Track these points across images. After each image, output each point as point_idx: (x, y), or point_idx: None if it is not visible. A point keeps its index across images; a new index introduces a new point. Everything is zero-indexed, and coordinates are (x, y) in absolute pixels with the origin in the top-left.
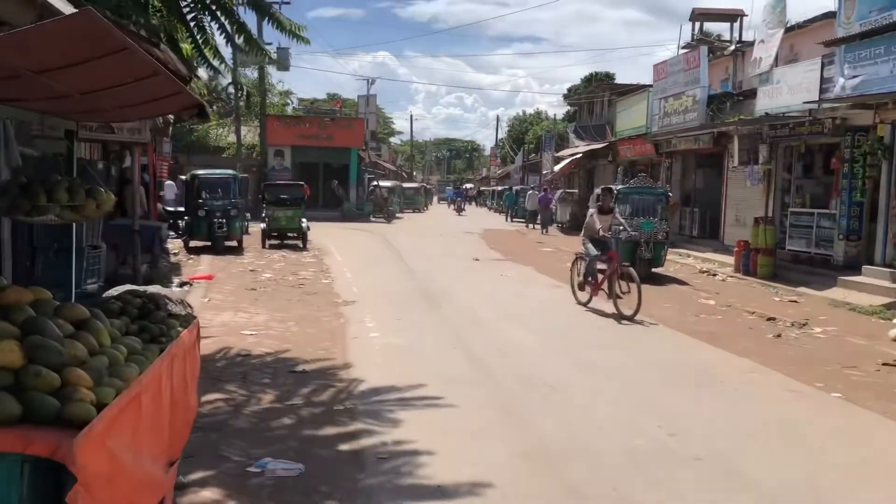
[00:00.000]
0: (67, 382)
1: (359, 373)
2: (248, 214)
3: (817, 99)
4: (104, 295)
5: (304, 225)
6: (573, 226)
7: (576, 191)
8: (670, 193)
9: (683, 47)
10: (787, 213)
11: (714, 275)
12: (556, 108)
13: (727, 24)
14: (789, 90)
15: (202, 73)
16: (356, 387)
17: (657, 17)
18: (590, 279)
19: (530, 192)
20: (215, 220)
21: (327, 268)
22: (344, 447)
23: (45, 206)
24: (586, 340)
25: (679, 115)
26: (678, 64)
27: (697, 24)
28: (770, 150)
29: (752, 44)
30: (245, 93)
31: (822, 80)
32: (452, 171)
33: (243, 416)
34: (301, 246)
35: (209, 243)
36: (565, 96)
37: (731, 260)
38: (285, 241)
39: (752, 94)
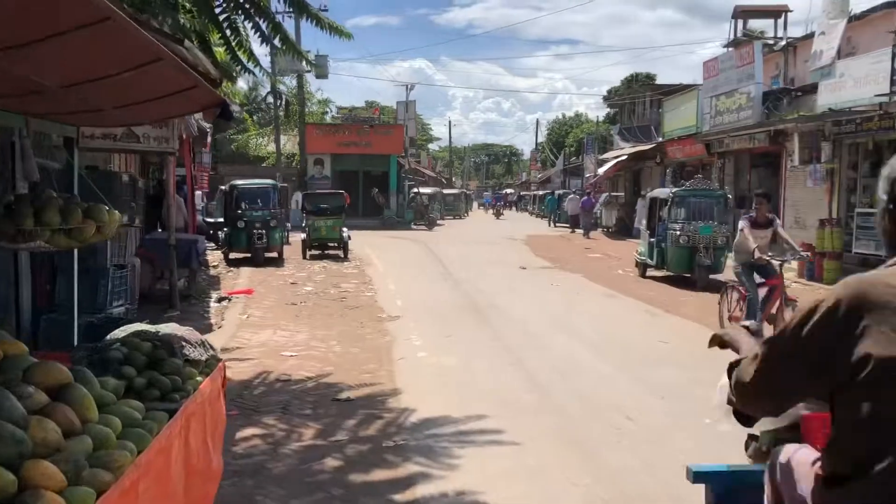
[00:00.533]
0: (27, 484)
1: (408, 400)
2: (289, 224)
3: (888, 91)
4: (107, 338)
5: (345, 234)
6: (620, 230)
7: (621, 194)
8: (729, 195)
9: (726, 45)
10: (853, 214)
11: None
12: (594, 110)
13: (771, 21)
14: (855, 83)
15: (242, 83)
16: (407, 417)
17: (693, 16)
18: (752, 320)
19: (571, 196)
20: (255, 231)
21: (369, 279)
22: (397, 497)
23: (31, 231)
24: (653, 357)
25: (732, 113)
26: (730, 60)
27: (740, 22)
28: (833, 148)
29: (801, 39)
30: (284, 101)
31: (894, 71)
32: (491, 176)
33: (282, 456)
34: (342, 256)
35: (249, 255)
36: (605, 98)
37: (792, 265)
38: (326, 252)
39: (811, 89)
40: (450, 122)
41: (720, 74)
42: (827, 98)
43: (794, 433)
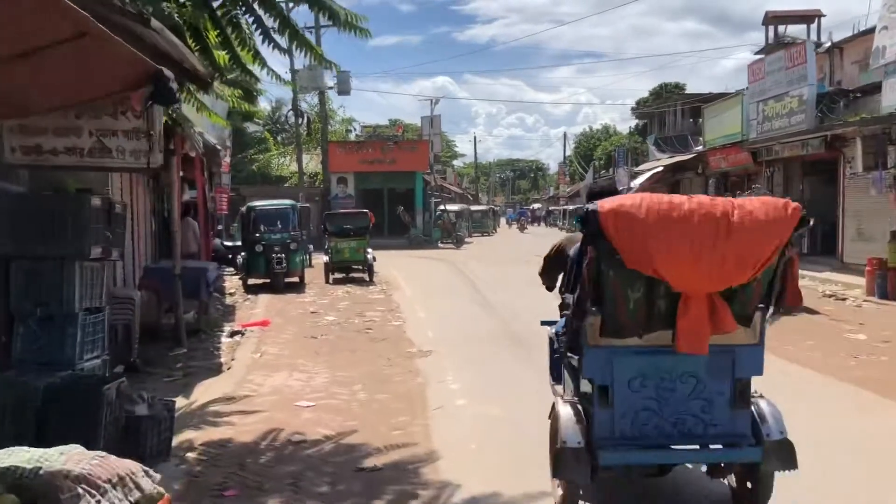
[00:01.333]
0: None
1: (450, 469)
2: (311, 246)
3: None
4: None
5: (369, 256)
6: None
7: None
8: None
9: (757, 52)
10: None
11: (843, 299)
12: (620, 123)
13: (803, 27)
14: None
15: (264, 103)
16: (449, 497)
17: (717, 27)
18: None
19: None
20: (274, 255)
21: (396, 305)
22: None
23: None
24: None
25: (782, 118)
26: (778, 62)
27: (772, 28)
28: None
29: (847, 40)
30: (306, 119)
31: None
32: (517, 191)
33: None
34: (367, 279)
35: (268, 281)
36: (634, 109)
37: (857, 280)
38: (350, 275)
39: (871, 89)
40: (475, 137)
41: (767, 78)
42: (893, 98)
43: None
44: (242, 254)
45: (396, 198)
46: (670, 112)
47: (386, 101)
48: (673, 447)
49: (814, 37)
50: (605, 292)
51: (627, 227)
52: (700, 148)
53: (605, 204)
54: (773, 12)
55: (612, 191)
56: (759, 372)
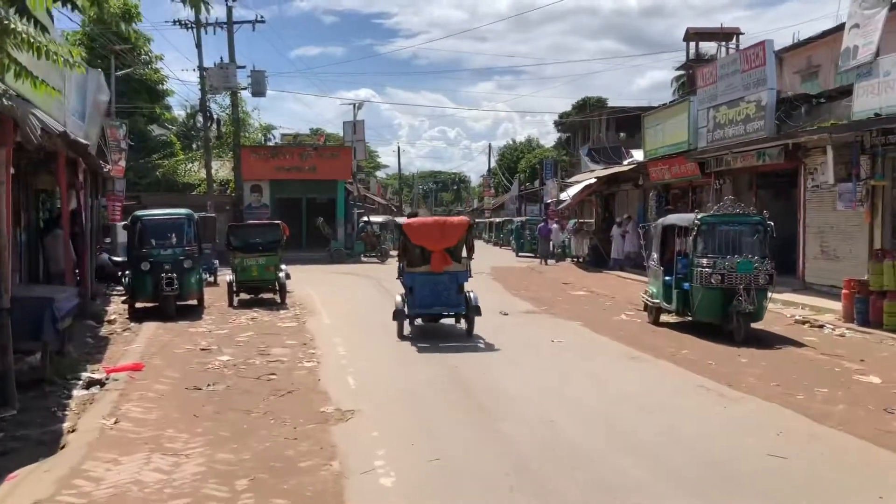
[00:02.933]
0: None
1: None
2: (217, 262)
3: None
4: None
5: (282, 275)
6: (594, 260)
7: (590, 221)
8: (770, 222)
9: (678, 68)
10: None
11: (819, 326)
12: (540, 137)
13: (723, 44)
14: None
15: (178, 110)
16: None
17: (633, 46)
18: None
19: (554, 225)
20: (163, 275)
21: (311, 338)
22: None
23: None
24: (774, 484)
25: (736, 125)
26: (733, 64)
27: (693, 45)
28: (872, 162)
29: (788, 49)
30: (215, 120)
31: None
32: (440, 203)
33: None
34: (279, 301)
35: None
36: (557, 123)
37: (825, 303)
38: (259, 295)
39: (836, 94)
40: (399, 147)
41: (719, 82)
42: (867, 102)
43: None
44: (127, 273)
45: (316, 208)
46: (595, 125)
47: (310, 110)
48: (438, 311)
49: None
50: (407, 252)
51: (411, 229)
52: (637, 158)
53: (406, 221)
54: (694, 29)
55: (415, 214)
56: (467, 279)
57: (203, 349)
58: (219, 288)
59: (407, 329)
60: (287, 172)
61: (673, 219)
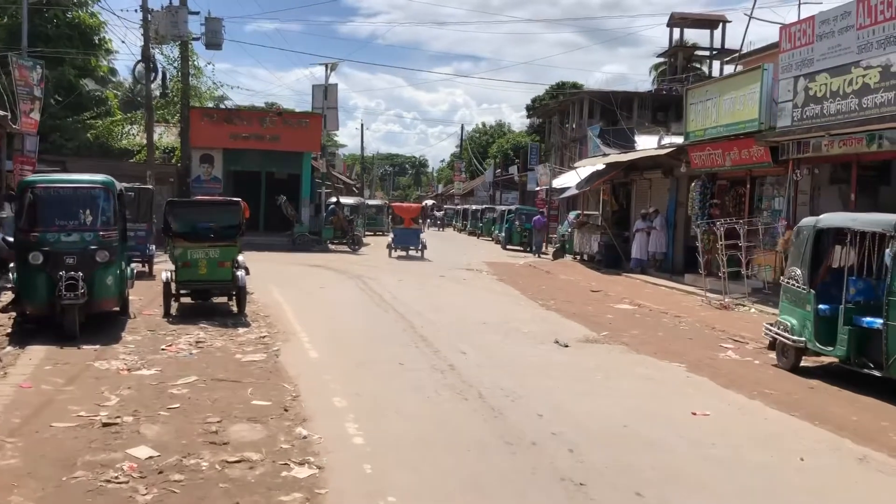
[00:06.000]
0: None
1: None
2: (153, 247)
3: None
4: None
5: (240, 273)
6: (608, 261)
7: (595, 213)
8: None
9: (659, 55)
10: None
11: None
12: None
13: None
14: None
15: (125, 73)
16: None
17: (591, 39)
18: None
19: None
20: (63, 272)
21: (294, 394)
22: None
23: None
24: None
25: (845, 98)
26: (843, 19)
27: (677, 31)
28: None
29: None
30: (160, 72)
31: None
32: (397, 187)
33: None
34: (236, 311)
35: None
36: (529, 108)
37: None
38: (210, 300)
39: None
40: (362, 124)
41: (818, 42)
42: None
43: None
44: (12, 266)
45: (277, 185)
46: (574, 110)
47: (261, 86)
48: (406, 246)
49: (717, 43)
50: (395, 219)
51: (397, 208)
52: (676, 140)
53: (394, 203)
54: (679, 14)
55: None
56: (421, 233)
57: (107, 423)
58: (154, 283)
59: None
60: (244, 141)
61: (839, 219)
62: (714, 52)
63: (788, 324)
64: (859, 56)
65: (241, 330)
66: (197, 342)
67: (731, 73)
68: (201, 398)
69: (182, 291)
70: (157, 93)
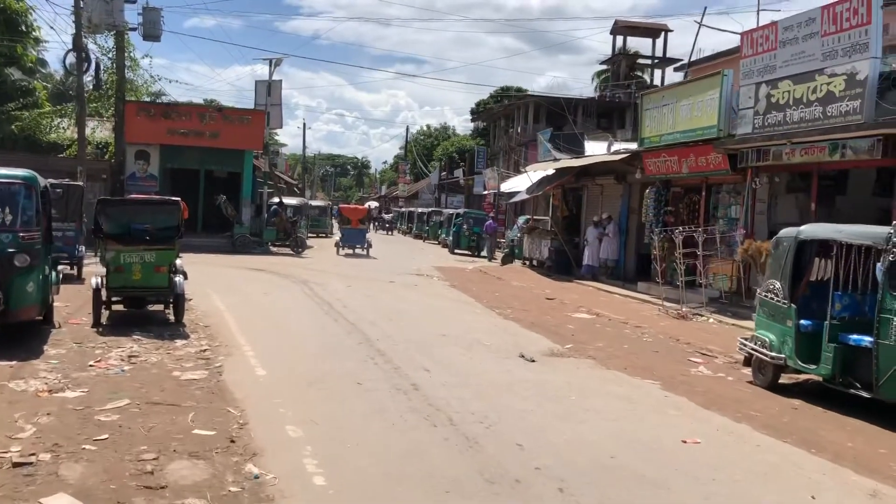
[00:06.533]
0: None
1: None
2: (82, 248)
3: None
4: None
5: (178, 279)
6: (558, 266)
7: (544, 218)
8: None
9: (602, 62)
10: None
11: None
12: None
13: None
14: None
15: (56, 66)
16: None
17: (533, 45)
18: None
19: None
20: None
21: (242, 421)
22: None
23: None
24: None
25: (809, 106)
26: (807, 25)
27: (620, 39)
28: None
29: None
30: (94, 64)
31: None
32: (338, 188)
33: None
34: (173, 320)
35: None
36: (473, 111)
37: None
38: (144, 308)
39: None
40: (304, 123)
41: (781, 49)
42: None
43: None
44: None
45: (217, 183)
46: (520, 115)
47: (200, 81)
48: (354, 245)
49: (658, 52)
50: (342, 220)
51: (344, 209)
52: (627, 146)
53: (342, 205)
54: (623, 21)
55: (347, 200)
56: (367, 233)
57: (18, 463)
58: (83, 288)
59: (342, 252)
60: (182, 137)
61: (822, 231)
62: (656, 61)
63: (766, 339)
64: (824, 63)
65: (178, 342)
66: (130, 357)
67: (690, 79)
68: (134, 426)
69: (114, 298)
70: (91, 85)
